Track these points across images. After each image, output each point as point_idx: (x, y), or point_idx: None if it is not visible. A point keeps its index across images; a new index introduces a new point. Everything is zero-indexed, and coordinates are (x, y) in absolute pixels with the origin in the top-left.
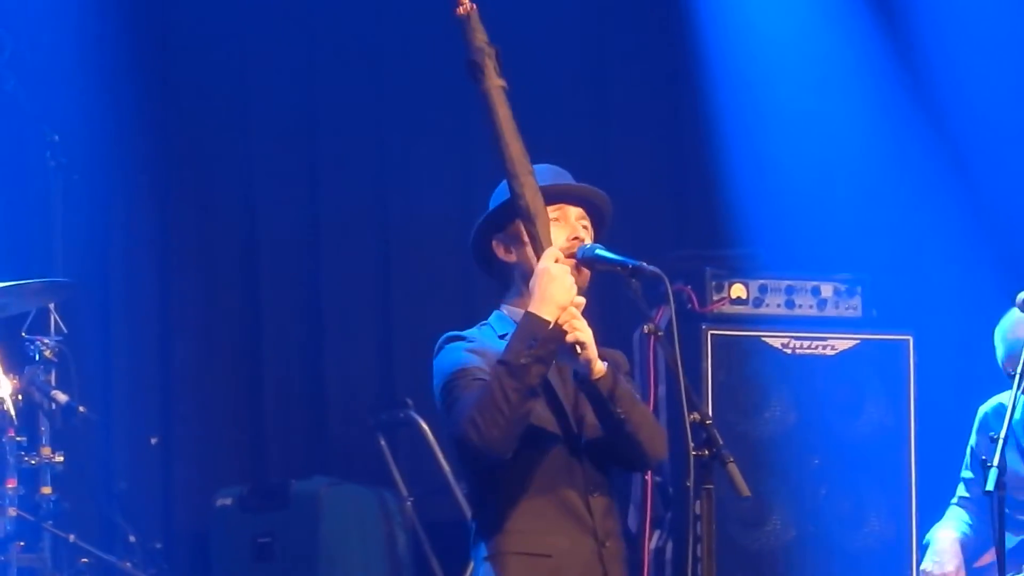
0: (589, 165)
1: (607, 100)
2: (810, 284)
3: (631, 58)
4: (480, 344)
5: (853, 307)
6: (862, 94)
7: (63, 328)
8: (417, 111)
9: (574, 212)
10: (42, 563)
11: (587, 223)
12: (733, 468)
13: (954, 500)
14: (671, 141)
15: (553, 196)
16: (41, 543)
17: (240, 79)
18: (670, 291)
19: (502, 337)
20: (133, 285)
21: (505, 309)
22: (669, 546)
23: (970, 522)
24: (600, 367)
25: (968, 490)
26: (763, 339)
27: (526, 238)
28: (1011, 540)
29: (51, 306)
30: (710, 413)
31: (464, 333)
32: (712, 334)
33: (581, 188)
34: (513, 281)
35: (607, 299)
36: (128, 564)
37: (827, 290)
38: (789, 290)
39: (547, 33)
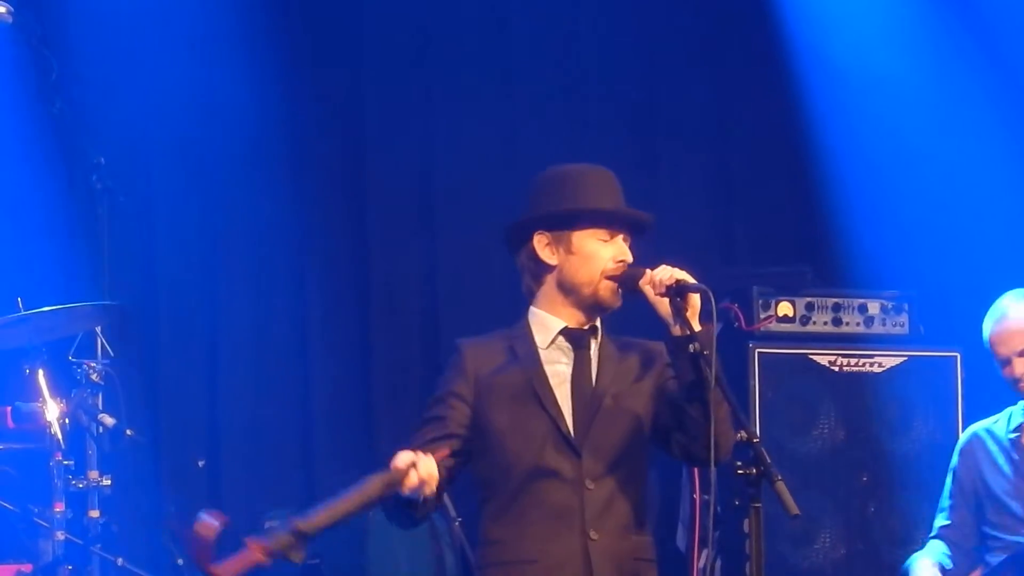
0: (637, 180)
1: (656, 117)
2: (857, 301)
3: (681, 74)
4: (482, 355)
5: (900, 324)
6: (909, 107)
7: (110, 351)
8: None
9: (621, 234)
10: None
11: (628, 239)
12: (782, 486)
13: (932, 533)
14: (719, 158)
15: (605, 220)
16: (90, 566)
17: (282, 101)
18: (715, 308)
19: (548, 347)
20: (179, 307)
21: (537, 312)
22: (718, 565)
23: (948, 553)
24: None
25: (948, 518)
26: (810, 357)
27: (576, 248)
28: (996, 557)
29: (98, 329)
30: (757, 431)
31: (470, 340)
32: (759, 352)
33: (633, 213)
34: (544, 282)
35: (655, 318)
36: None
37: (874, 307)
38: (836, 307)
39: (600, 46)
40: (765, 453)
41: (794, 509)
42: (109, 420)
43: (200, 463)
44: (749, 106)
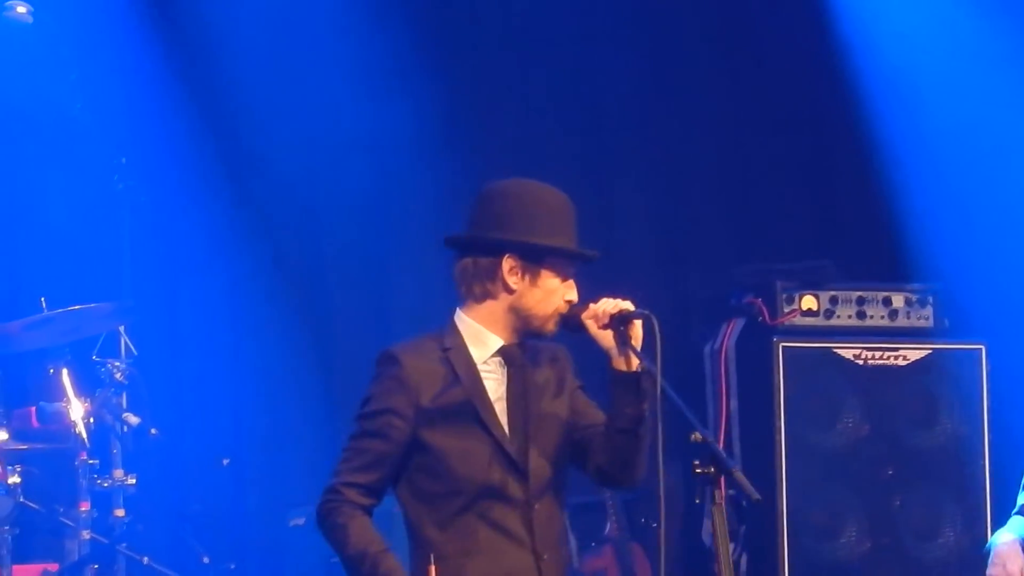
0: (659, 177)
1: (676, 111)
2: (881, 294)
3: (692, 67)
4: (423, 371)
5: (925, 317)
6: (932, 98)
7: (133, 350)
8: None
9: (573, 273)
10: None
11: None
12: (739, 475)
13: (1015, 510)
14: (740, 153)
15: (572, 262)
16: (116, 565)
17: (302, 98)
18: (658, 333)
19: (483, 363)
20: (202, 306)
21: (470, 322)
22: (744, 559)
23: None
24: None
25: None
26: (835, 351)
27: (541, 283)
28: None
29: (121, 328)
30: (782, 427)
31: (405, 349)
32: (783, 346)
33: (591, 256)
34: (496, 299)
35: (677, 314)
36: None
37: (898, 300)
38: (860, 301)
39: (609, 41)
40: (719, 450)
41: (755, 495)
42: (133, 419)
43: (225, 462)
44: (770, 99)
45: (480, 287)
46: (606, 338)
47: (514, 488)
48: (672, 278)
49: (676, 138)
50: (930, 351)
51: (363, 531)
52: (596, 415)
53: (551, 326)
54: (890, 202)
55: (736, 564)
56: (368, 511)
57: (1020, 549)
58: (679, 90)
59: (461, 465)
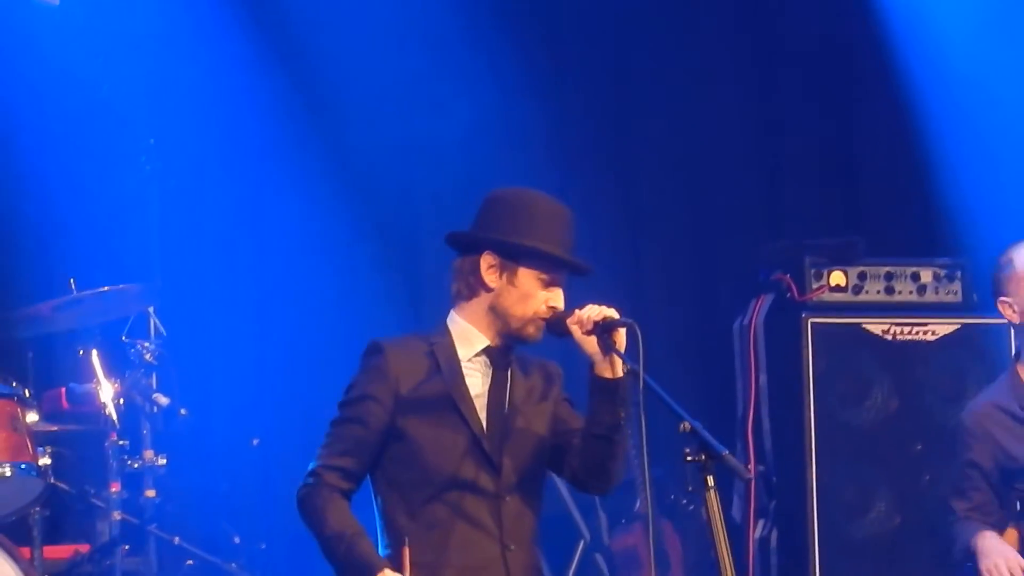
0: (688, 154)
1: (704, 87)
2: (910, 270)
3: (720, 42)
4: (406, 362)
5: (953, 292)
6: (958, 70)
7: (162, 331)
8: None
9: (560, 279)
10: (147, 566)
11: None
12: (729, 458)
13: (952, 518)
14: (767, 129)
15: (552, 266)
16: (146, 546)
17: (339, 77)
18: (640, 343)
19: (468, 361)
20: (231, 286)
21: (460, 321)
22: (774, 535)
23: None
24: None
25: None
26: (863, 326)
27: (518, 283)
28: None
29: (150, 309)
30: (811, 403)
31: (391, 342)
32: (812, 322)
33: (576, 265)
34: (477, 297)
35: (706, 291)
36: (233, 565)
37: (927, 275)
38: (888, 276)
39: (637, 18)
40: (708, 437)
41: (745, 474)
42: (163, 400)
43: (255, 442)
44: (799, 75)
45: (465, 285)
46: (590, 344)
47: (485, 481)
48: (701, 254)
49: (705, 115)
50: (959, 326)
51: (340, 514)
52: (577, 422)
53: (531, 330)
54: (918, 177)
55: (766, 540)
56: (346, 495)
57: (1003, 541)
58: (708, 67)
59: (434, 455)
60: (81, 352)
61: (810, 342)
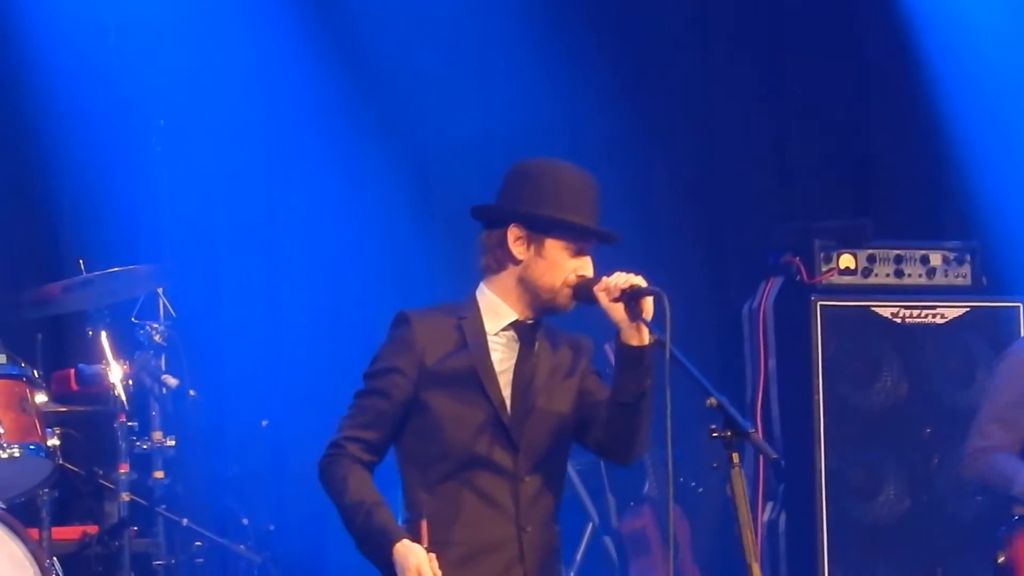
0: (697, 136)
1: (713, 70)
2: (919, 253)
3: (730, 25)
4: (432, 334)
5: (963, 275)
6: (967, 54)
7: (172, 312)
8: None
9: (588, 249)
10: (156, 547)
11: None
12: (755, 436)
13: (982, 445)
14: (777, 111)
15: (579, 235)
16: (155, 527)
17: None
18: (667, 312)
19: (495, 335)
20: (241, 268)
21: (488, 294)
22: (782, 519)
23: None
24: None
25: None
26: (872, 309)
27: (546, 253)
28: None
29: (159, 291)
30: (820, 386)
31: (418, 313)
32: (821, 305)
33: (604, 234)
34: (506, 271)
35: (716, 273)
36: (242, 547)
37: (936, 258)
38: (898, 259)
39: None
40: (734, 413)
41: (771, 455)
42: (172, 381)
43: (264, 423)
44: (809, 57)
45: (493, 258)
46: (617, 311)
47: (503, 459)
48: (710, 237)
49: (715, 97)
50: (968, 309)
51: (361, 484)
52: (604, 394)
53: (562, 300)
54: (928, 160)
55: (775, 523)
56: (368, 467)
57: None
58: (718, 49)
59: (453, 430)
60: (90, 333)
61: (819, 325)
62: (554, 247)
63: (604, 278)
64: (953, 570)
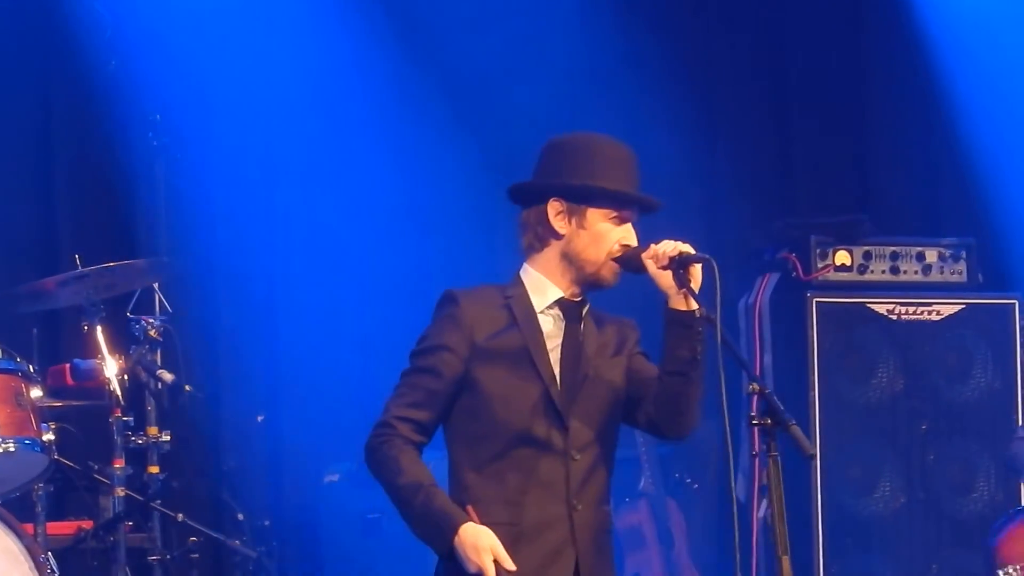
0: (694, 131)
1: (714, 69)
2: (915, 249)
3: (731, 18)
4: (481, 312)
5: (958, 272)
6: (965, 53)
7: (167, 307)
8: None
9: (630, 217)
10: (151, 542)
11: (634, 220)
12: (795, 429)
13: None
14: (775, 108)
15: (620, 203)
16: (150, 522)
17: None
18: (717, 279)
19: (542, 313)
20: (237, 262)
21: (533, 273)
22: None
23: None
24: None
25: None
26: (868, 306)
27: (588, 224)
28: None
29: (155, 285)
30: (816, 382)
31: (465, 291)
32: (817, 301)
33: (646, 200)
34: (549, 247)
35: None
36: (237, 542)
37: (932, 255)
38: (894, 256)
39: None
40: (777, 401)
41: (810, 449)
42: (168, 376)
43: (259, 418)
44: (806, 56)
45: (535, 236)
46: (665, 278)
47: (555, 437)
48: (706, 232)
49: (712, 91)
50: (964, 305)
51: (415, 464)
52: (652, 372)
53: (606, 273)
54: (925, 157)
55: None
56: (419, 448)
57: None
58: (717, 42)
59: (503, 409)
60: (86, 328)
61: (815, 321)
62: (596, 216)
63: (652, 245)
64: (948, 565)
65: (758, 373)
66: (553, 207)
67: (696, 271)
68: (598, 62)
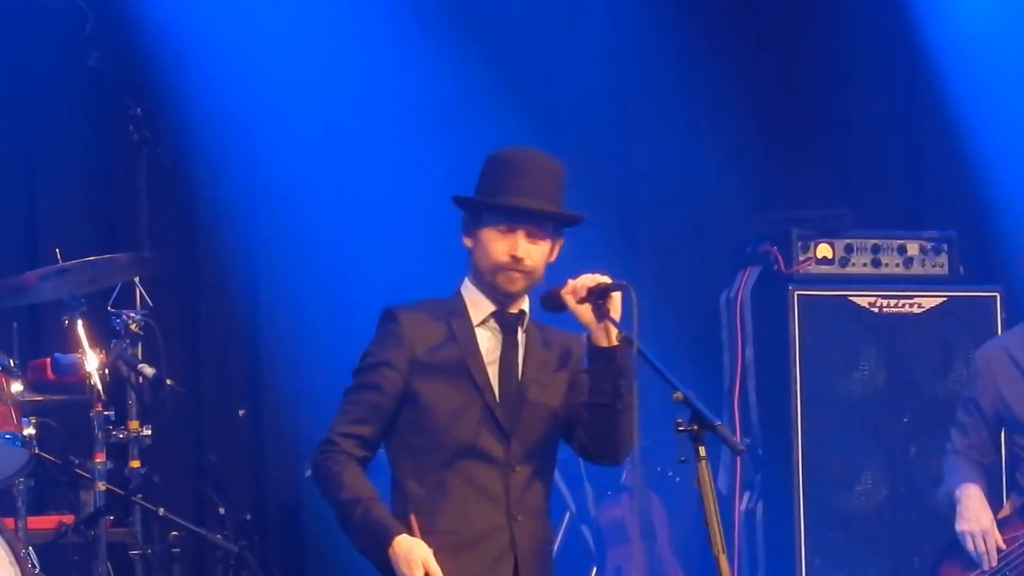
0: (676, 125)
1: (694, 59)
2: (896, 242)
3: (713, 15)
4: (420, 328)
5: (940, 264)
6: (946, 44)
7: (148, 302)
8: None
9: (522, 229)
10: (132, 537)
11: (533, 230)
12: (722, 429)
13: (950, 448)
14: (757, 101)
15: (503, 215)
16: (131, 517)
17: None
18: (635, 304)
19: (479, 326)
20: (219, 257)
21: (471, 287)
22: (760, 508)
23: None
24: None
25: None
26: (850, 299)
27: (481, 239)
28: None
29: (136, 279)
30: (798, 375)
31: (405, 308)
32: (799, 295)
33: (535, 209)
34: (470, 260)
35: (695, 263)
36: (218, 536)
37: (913, 248)
38: (875, 249)
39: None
40: (701, 407)
41: (738, 446)
42: (149, 370)
43: (241, 413)
44: (785, 46)
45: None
46: (585, 312)
47: (495, 449)
48: (689, 226)
49: (695, 86)
50: (945, 298)
51: (356, 480)
52: None
53: (501, 280)
54: (906, 150)
55: (752, 512)
56: (362, 463)
57: (985, 500)
58: (699, 39)
59: (445, 420)
60: (66, 322)
61: (797, 314)
62: (487, 231)
63: (570, 281)
64: (930, 558)
65: (739, 367)
66: (464, 223)
67: (615, 300)
68: (585, 63)
